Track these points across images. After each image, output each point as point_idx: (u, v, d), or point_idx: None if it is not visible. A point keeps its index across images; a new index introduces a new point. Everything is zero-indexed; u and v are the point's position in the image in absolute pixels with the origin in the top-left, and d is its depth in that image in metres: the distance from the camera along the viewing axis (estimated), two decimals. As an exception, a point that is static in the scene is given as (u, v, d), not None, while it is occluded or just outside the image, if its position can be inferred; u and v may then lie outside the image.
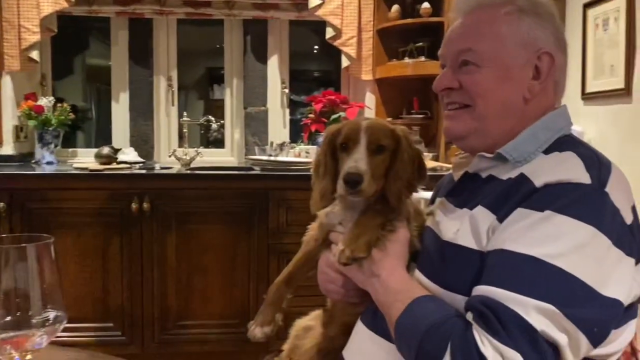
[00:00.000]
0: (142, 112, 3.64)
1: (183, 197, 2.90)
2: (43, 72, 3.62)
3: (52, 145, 3.39)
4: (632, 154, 2.59)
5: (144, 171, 3.06)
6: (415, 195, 1.14)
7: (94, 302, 2.87)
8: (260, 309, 1.23)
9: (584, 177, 0.90)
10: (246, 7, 3.60)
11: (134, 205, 2.83)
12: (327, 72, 4.24)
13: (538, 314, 0.81)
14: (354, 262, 1.03)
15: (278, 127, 3.81)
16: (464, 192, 1.08)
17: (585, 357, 0.87)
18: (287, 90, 3.80)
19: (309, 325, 1.30)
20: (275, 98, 3.79)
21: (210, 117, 3.55)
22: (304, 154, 3.56)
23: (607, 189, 0.90)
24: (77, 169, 3.06)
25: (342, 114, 3.52)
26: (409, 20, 3.51)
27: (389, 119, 3.63)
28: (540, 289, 0.83)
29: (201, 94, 4.32)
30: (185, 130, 3.52)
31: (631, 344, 1.01)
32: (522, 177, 0.95)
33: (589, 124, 2.90)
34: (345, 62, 3.60)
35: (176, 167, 3.30)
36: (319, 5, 3.47)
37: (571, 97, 2.96)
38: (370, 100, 3.71)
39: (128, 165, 3.23)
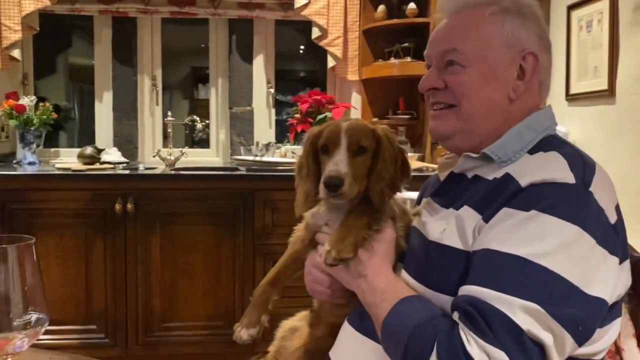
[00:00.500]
0: (126, 111, 3.61)
1: (167, 197, 2.88)
2: (25, 71, 3.57)
3: (34, 145, 3.35)
4: (616, 154, 2.62)
5: (127, 171, 3.04)
6: (400, 195, 1.14)
7: (77, 304, 2.83)
8: (246, 310, 1.22)
9: (569, 177, 0.91)
10: (231, 7, 3.58)
11: (117, 206, 2.80)
12: (313, 72, 4.23)
13: (524, 314, 0.81)
14: (341, 262, 1.03)
15: (264, 127, 3.80)
16: (450, 192, 1.08)
17: (570, 356, 0.87)
18: (272, 90, 3.79)
19: (295, 326, 1.30)
20: (261, 98, 3.78)
21: (195, 117, 3.53)
22: (290, 154, 3.55)
23: (591, 189, 0.91)
24: (59, 169, 3.03)
25: (328, 114, 3.52)
26: (395, 21, 3.52)
27: (375, 119, 3.64)
28: (525, 288, 0.83)
29: (186, 93, 4.30)
30: (169, 130, 3.49)
31: (615, 343, 1.01)
32: (508, 177, 0.96)
33: (573, 124, 2.93)
34: (331, 62, 3.60)
35: (161, 168, 3.28)
36: (305, 5, 3.47)
37: (556, 98, 2.99)
38: (356, 100, 3.71)
39: (111, 166, 3.20)
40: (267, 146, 3.58)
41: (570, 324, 0.83)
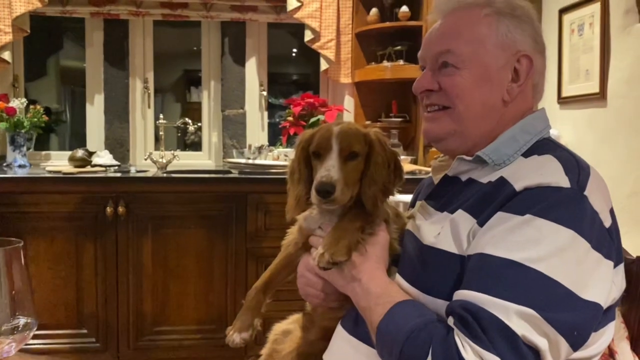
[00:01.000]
0: (117, 114, 3.59)
1: (159, 200, 2.86)
2: (15, 74, 3.54)
3: (25, 148, 3.32)
4: (607, 156, 2.63)
5: (119, 174, 3.02)
6: (393, 198, 1.13)
7: (68, 308, 2.81)
8: (238, 314, 1.21)
9: (563, 181, 0.90)
10: (224, 9, 3.57)
11: (108, 209, 2.78)
12: (306, 75, 4.23)
13: (519, 319, 0.81)
14: (334, 266, 1.02)
15: (256, 129, 3.79)
16: (444, 195, 1.07)
17: (565, 360, 0.87)
18: (265, 93, 3.78)
19: (287, 329, 1.29)
20: (254, 101, 3.77)
21: (187, 119, 3.52)
22: (283, 157, 3.54)
23: (586, 193, 0.91)
24: (50, 172, 3.00)
25: (320, 116, 3.51)
26: (388, 24, 3.52)
27: (368, 122, 3.64)
28: (520, 293, 0.83)
29: (178, 96, 4.28)
30: (161, 133, 3.47)
31: (609, 346, 1.01)
32: (502, 181, 0.95)
33: (565, 127, 2.94)
34: (324, 65, 3.59)
35: (152, 171, 3.26)
36: (298, 8, 3.47)
37: (548, 101, 3.00)
38: (349, 103, 3.71)
39: (103, 169, 3.18)
40: (260, 149, 3.56)
41: (566, 328, 0.82)
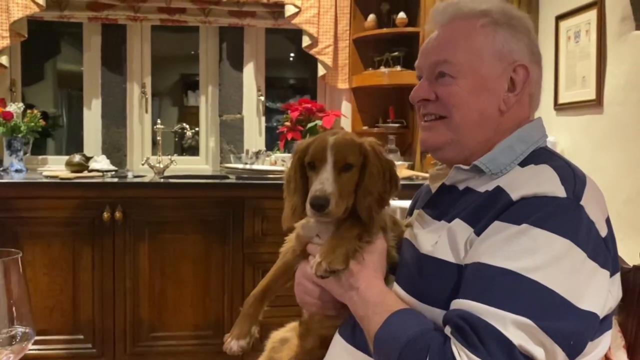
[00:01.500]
0: (114, 119, 3.59)
1: (156, 206, 2.85)
2: (12, 78, 3.54)
3: (21, 153, 3.31)
4: (603, 163, 2.64)
5: (116, 179, 3.01)
6: (391, 204, 1.13)
7: (64, 313, 2.80)
8: (236, 321, 1.21)
9: (560, 191, 0.91)
10: (222, 15, 3.58)
11: (105, 215, 2.78)
12: (303, 80, 4.24)
13: (515, 328, 0.81)
14: (332, 274, 1.02)
15: (254, 134, 3.79)
16: (442, 204, 1.08)
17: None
18: (262, 98, 3.79)
19: (285, 337, 1.29)
20: (251, 106, 3.77)
21: (184, 124, 3.51)
22: (280, 162, 3.54)
23: (582, 202, 0.91)
24: (47, 177, 3.00)
25: (318, 122, 3.52)
26: (385, 30, 3.53)
27: (365, 128, 3.65)
28: (517, 302, 0.83)
29: (175, 101, 4.28)
30: (159, 138, 3.47)
31: (606, 355, 1.01)
32: (499, 190, 0.96)
33: (561, 134, 2.95)
34: (321, 70, 3.60)
35: (149, 176, 3.26)
36: (296, 14, 3.48)
37: (544, 108, 3.01)
38: (346, 108, 3.72)
39: (100, 174, 3.18)
40: (257, 154, 3.57)
41: (562, 338, 0.83)
